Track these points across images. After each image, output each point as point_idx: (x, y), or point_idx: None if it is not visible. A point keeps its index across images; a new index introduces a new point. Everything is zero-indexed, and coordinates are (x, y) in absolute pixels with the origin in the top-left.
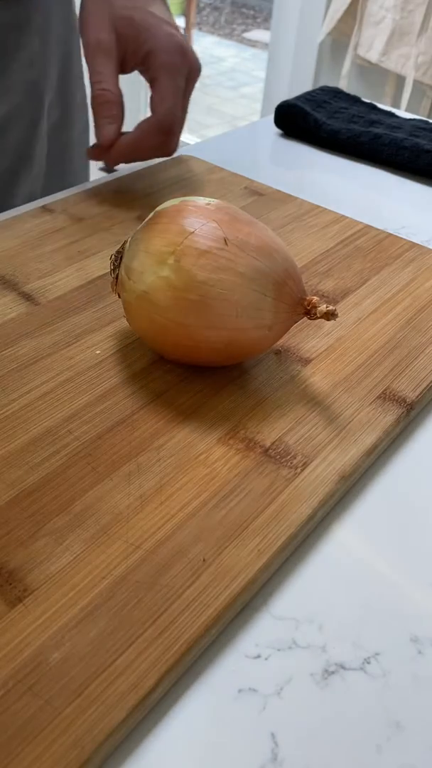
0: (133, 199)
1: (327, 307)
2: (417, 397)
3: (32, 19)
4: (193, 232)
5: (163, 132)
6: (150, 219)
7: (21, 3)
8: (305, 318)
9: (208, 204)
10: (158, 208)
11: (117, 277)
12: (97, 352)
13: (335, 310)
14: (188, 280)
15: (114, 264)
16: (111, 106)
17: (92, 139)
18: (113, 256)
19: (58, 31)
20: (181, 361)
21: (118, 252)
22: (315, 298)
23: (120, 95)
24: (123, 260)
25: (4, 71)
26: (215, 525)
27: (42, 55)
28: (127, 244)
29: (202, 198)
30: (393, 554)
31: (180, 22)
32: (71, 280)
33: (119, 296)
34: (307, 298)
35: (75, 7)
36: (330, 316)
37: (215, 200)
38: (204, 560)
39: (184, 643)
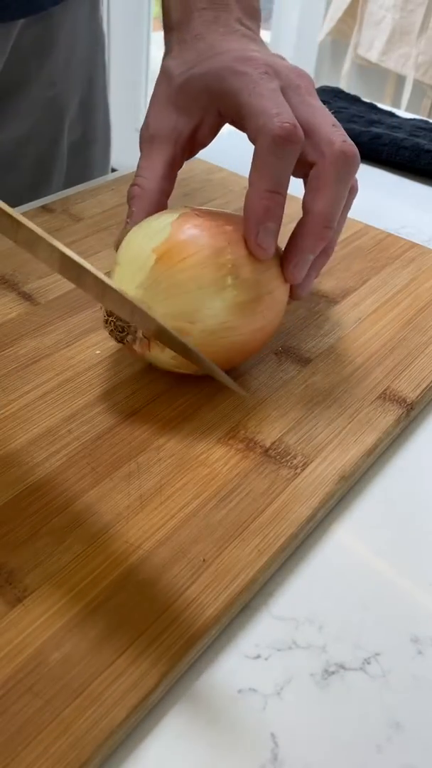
0: None
1: None
2: (417, 397)
3: (57, 39)
4: (227, 245)
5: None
6: (165, 260)
7: (47, 22)
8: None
9: (197, 215)
10: (130, 254)
11: (136, 340)
12: (97, 352)
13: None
14: (252, 283)
15: (122, 332)
16: (134, 201)
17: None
18: (110, 322)
19: (83, 51)
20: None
21: (115, 319)
22: None
23: (155, 191)
24: (152, 311)
25: (25, 90)
26: (215, 525)
27: (64, 74)
28: (133, 298)
29: (170, 212)
30: (393, 554)
31: None
32: None
33: (144, 355)
34: None
35: (101, 25)
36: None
37: (181, 209)
38: (204, 560)
39: (185, 643)
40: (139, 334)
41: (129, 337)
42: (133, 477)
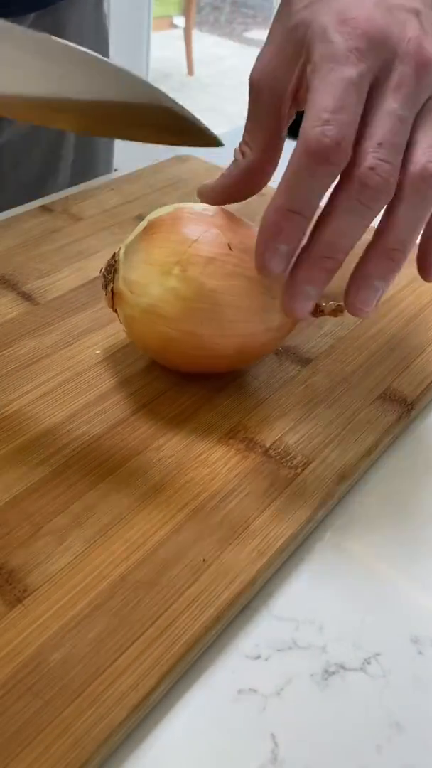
0: (133, 199)
1: (333, 304)
2: (417, 396)
3: (64, 34)
4: (197, 240)
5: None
6: (146, 229)
7: (54, 17)
8: (311, 316)
9: (205, 210)
10: (150, 217)
11: (112, 291)
12: (97, 352)
13: (342, 306)
14: (198, 289)
15: (106, 277)
16: (233, 166)
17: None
18: (104, 270)
19: (89, 46)
20: (184, 370)
21: (109, 265)
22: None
23: (255, 164)
24: (120, 273)
25: None
26: (215, 525)
27: None
28: (120, 256)
29: (195, 204)
30: (393, 554)
31: (180, 22)
32: (71, 280)
33: (115, 310)
34: None
35: (105, 20)
36: (337, 312)
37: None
38: (204, 560)
39: (185, 644)
40: (110, 287)
41: (106, 287)
42: (133, 477)
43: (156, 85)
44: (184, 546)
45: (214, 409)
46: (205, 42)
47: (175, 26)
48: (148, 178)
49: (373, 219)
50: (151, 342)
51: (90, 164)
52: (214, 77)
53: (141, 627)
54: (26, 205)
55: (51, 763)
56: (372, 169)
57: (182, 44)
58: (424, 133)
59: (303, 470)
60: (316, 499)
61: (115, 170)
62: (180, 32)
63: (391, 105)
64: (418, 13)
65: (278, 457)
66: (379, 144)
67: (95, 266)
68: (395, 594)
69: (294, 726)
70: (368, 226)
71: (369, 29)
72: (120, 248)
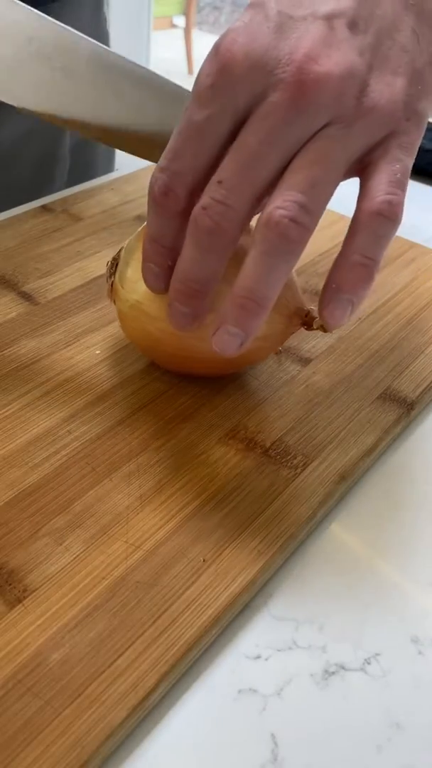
0: (133, 199)
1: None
2: (417, 397)
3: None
4: None
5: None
6: (144, 227)
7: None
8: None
9: None
10: None
11: (112, 284)
12: (97, 352)
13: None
14: None
15: (110, 271)
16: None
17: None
18: (110, 263)
19: None
20: (174, 370)
21: (114, 258)
22: (312, 309)
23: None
24: (118, 266)
25: None
26: (215, 525)
27: None
28: (123, 251)
29: None
30: (393, 554)
31: (180, 21)
32: (71, 280)
33: (114, 303)
34: (305, 308)
35: (105, 26)
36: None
37: None
38: (204, 560)
39: (184, 644)
40: (110, 280)
41: (108, 280)
42: (133, 477)
43: None
44: (184, 546)
45: (214, 409)
46: (205, 42)
47: (175, 26)
48: (147, 178)
49: (222, 257)
50: (138, 339)
51: (90, 165)
52: None
53: (141, 627)
54: (26, 205)
55: (51, 763)
56: (204, 208)
57: (182, 44)
58: (295, 171)
59: (303, 470)
60: (316, 499)
61: (116, 170)
62: (180, 32)
63: (246, 139)
64: (329, 18)
65: (278, 457)
66: (219, 182)
67: (95, 266)
68: (395, 594)
69: (294, 726)
70: (222, 261)
71: (228, 60)
72: (125, 243)
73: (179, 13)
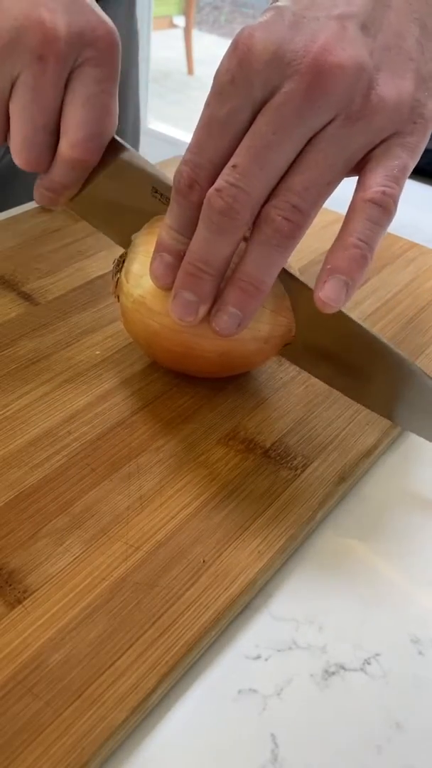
0: None
1: None
2: None
3: None
4: None
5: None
6: (152, 222)
7: None
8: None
9: None
10: (159, 216)
11: (117, 281)
12: (97, 352)
13: None
14: None
15: (117, 268)
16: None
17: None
18: (116, 260)
19: (121, 44)
20: (173, 368)
21: (121, 256)
22: None
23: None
24: (125, 262)
25: None
26: (215, 526)
27: None
28: (130, 248)
29: None
30: (393, 554)
31: (180, 21)
32: (71, 280)
33: (117, 299)
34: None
35: (136, 25)
36: None
37: None
38: (204, 561)
39: (184, 645)
40: (116, 277)
41: (114, 276)
42: (133, 478)
43: (156, 84)
44: (184, 547)
45: (214, 409)
46: (205, 42)
47: (175, 26)
48: None
49: (232, 240)
50: (139, 334)
51: None
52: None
53: (141, 628)
54: (26, 205)
55: (51, 763)
56: (218, 190)
57: (182, 44)
58: (295, 173)
59: (303, 471)
60: (316, 500)
61: None
62: (180, 32)
63: (260, 128)
64: (342, 18)
65: (278, 457)
66: (233, 166)
67: (95, 266)
68: (395, 594)
69: (294, 726)
70: (231, 244)
71: (246, 54)
72: (133, 238)
73: (179, 13)
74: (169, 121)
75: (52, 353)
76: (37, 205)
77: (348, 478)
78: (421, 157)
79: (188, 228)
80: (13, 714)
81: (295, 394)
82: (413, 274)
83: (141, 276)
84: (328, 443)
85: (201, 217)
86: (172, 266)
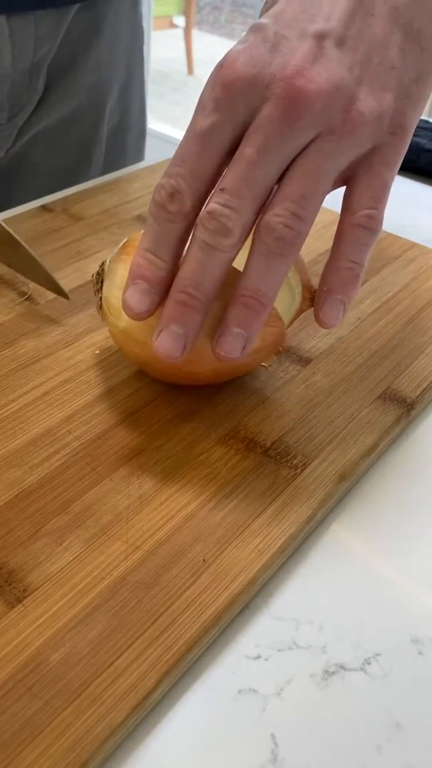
0: (133, 199)
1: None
2: (417, 397)
3: (103, 26)
4: None
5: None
6: (122, 247)
7: (93, 12)
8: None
9: None
10: (133, 236)
11: (101, 300)
12: (97, 352)
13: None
14: None
15: (96, 287)
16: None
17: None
18: (94, 277)
19: (125, 41)
20: (168, 381)
21: (98, 274)
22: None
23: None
24: (103, 291)
25: (73, 73)
26: (215, 525)
27: (108, 60)
28: (106, 267)
29: None
30: (393, 554)
31: (180, 21)
32: (71, 280)
33: (103, 320)
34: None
35: (141, 21)
36: None
37: None
38: (204, 560)
39: (184, 644)
40: (99, 296)
41: (96, 294)
42: (132, 477)
43: (156, 84)
44: (184, 546)
45: (214, 409)
46: (205, 42)
47: (175, 26)
48: (147, 178)
49: (224, 260)
50: (129, 357)
51: (121, 153)
52: None
53: (141, 627)
54: (26, 205)
55: (51, 763)
56: (209, 213)
57: (182, 44)
58: (289, 183)
59: (303, 470)
60: (316, 499)
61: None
62: (180, 32)
63: (244, 150)
64: (320, 36)
65: (278, 457)
66: (222, 189)
67: (95, 266)
68: (395, 594)
69: (294, 726)
70: (223, 266)
71: (228, 77)
72: (106, 260)
73: (179, 13)
74: (169, 121)
75: (52, 353)
76: (37, 205)
77: (348, 477)
78: (421, 157)
79: (166, 248)
80: (13, 713)
81: (295, 394)
82: (413, 274)
83: (120, 309)
84: (328, 442)
85: (191, 242)
86: (152, 292)
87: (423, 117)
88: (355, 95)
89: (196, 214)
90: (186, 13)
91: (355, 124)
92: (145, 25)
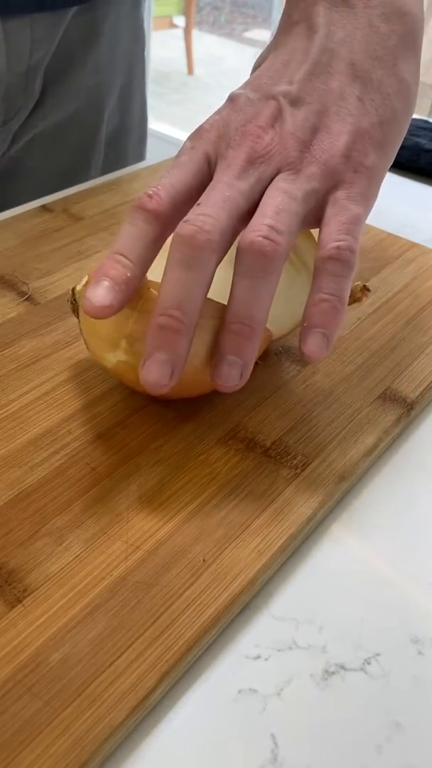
0: (133, 199)
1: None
2: (417, 397)
3: (103, 28)
4: (135, 312)
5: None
6: (89, 277)
7: (92, 14)
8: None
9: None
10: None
11: (78, 315)
12: None
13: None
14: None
15: (73, 305)
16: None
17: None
18: (70, 297)
19: (125, 44)
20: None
21: (73, 293)
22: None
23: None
24: (82, 333)
25: (71, 76)
26: (215, 525)
27: (108, 63)
28: (77, 298)
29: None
30: (393, 554)
31: (180, 21)
32: (71, 280)
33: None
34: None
35: (142, 23)
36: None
37: None
38: (204, 560)
39: (184, 644)
40: (75, 314)
41: (74, 313)
42: (132, 477)
43: (156, 85)
44: (184, 546)
45: (214, 409)
46: (205, 42)
47: (175, 26)
48: (148, 178)
49: (204, 274)
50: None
51: (122, 155)
52: (214, 77)
53: (141, 627)
54: (26, 205)
55: (51, 763)
56: (185, 221)
57: (182, 44)
58: (262, 204)
59: (303, 470)
60: (316, 499)
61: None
62: (180, 32)
63: (219, 177)
64: (277, 96)
65: (278, 457)
66: (198, 204)
67: (95, 266)
68: (395, 594)
69: (294, 726)
70: (204, 283)
71: (205, 135)
72: (75, 287)
73: (179, 13)
74: (169, 121)
75: (52, 353)
76: (37, 205)
77: (348, 477)
78: (421, 157)
79: (136, 251)
80: (13, 713)
81: (295, 393)
82: (413, 274)
83: (101, 355)
84: (328, 442)
85: (169, 257)
86: (115, 289)
87: (423, 117)
88: (309, 141)
89: (171, 224)
90: (186, 13)
91: (309, 161)
92: (145, 25)
